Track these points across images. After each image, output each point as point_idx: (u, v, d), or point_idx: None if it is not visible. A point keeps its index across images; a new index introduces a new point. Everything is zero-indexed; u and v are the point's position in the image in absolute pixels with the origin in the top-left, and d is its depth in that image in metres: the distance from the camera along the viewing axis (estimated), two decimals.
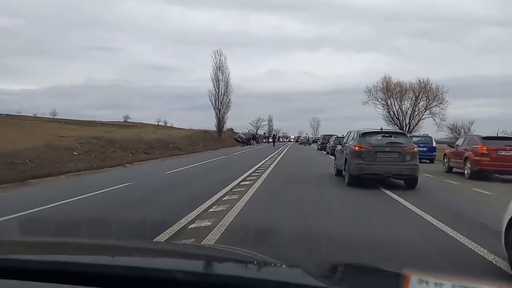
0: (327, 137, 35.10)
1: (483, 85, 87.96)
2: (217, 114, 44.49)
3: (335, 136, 29.54)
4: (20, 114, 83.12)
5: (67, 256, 1.47)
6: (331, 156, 22.73)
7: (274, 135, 62.94)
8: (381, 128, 11.77)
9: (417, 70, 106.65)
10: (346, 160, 11.17)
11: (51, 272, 1.16)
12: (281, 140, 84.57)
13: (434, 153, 20.03)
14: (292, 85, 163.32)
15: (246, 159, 20.38)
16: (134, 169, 14.50)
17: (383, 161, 10.24)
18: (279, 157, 22.86)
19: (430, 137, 21.45)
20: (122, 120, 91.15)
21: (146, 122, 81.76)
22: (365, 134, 10.92)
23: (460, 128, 20.45)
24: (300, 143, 64.89)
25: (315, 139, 67.09)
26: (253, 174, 12.91)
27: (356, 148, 10.58)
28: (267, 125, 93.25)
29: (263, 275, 1.32)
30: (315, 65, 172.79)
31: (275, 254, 2.05)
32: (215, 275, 1.26)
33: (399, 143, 10.60)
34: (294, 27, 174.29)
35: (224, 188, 9.14)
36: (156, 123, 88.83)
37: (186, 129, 56.94)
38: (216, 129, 45.40)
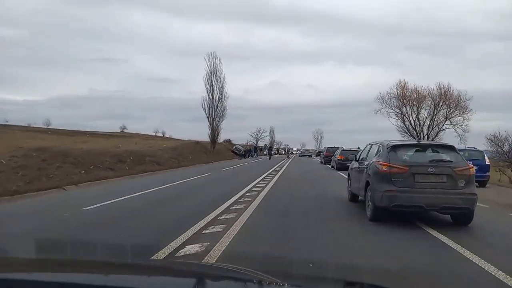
0: (331, 150, 32.89)
1: (483, 99, 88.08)
2: (210, 124, 41.43)
3: (341, 148, 27.62)
4: (7, 123, 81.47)
5: (60, 274, 1.51)
6: (340, 173, 19.82)
7: (270, 147, 58.46)
8: (418, 140, 8.76)
9: (417, 83, 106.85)
10: (367, 184, 8.20)
11: None
12: (283, 152, 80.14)
13: (487, 174, 15.60)
14: (295, 98, 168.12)
15: (236, 178, 16.86)
16: (65, 195, 10.74)
17: (425, 187, 7.34)
18: (279, 174, 19.74)
19: (481, 152, 16.75)
20: (119, 131, 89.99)
21: (142, 133, 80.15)
22: (396, 148, 7.92)
23: (504, 140, 17.27)
24: (301, 155, 60.88)
25: (318, 151, 65.57)
26: (239, 202, 9.59)
27: (384, 168, 7.60)
28: (268, 137, 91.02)
29: None
30: (317, 78, 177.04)
31: (278, 274, 2.03)
32: None
33: (447, 161, 7.63)
34: (296, 40, 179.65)
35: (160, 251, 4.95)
36: (154, 134, 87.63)
37: (180, 140, 54.02)
38: (210, 140, 42.32)
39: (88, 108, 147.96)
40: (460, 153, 8.26)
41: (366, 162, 8.86)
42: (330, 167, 29.02)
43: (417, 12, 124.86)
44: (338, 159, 25.46)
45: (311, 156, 65.29)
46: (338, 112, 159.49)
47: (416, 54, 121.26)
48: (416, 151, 8.06)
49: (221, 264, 4.01)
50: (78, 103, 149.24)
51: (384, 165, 7.62)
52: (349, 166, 11.50)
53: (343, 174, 16.55)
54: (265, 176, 17.62)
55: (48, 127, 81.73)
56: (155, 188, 12.04)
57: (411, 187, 7.27)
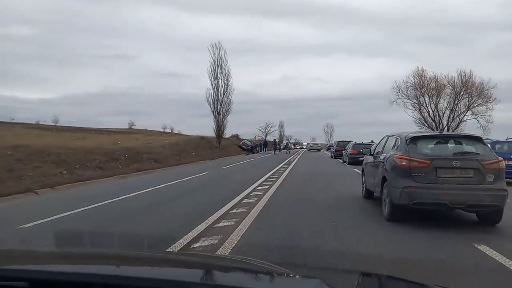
0: (341, 144, 32.71)
1: (499, 89, 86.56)
2: (215, 118, 40.95)
3: (353, 142, 27.61)
4: (13, 121, 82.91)
5: (73, 266, 1.59)
6: (355, 169, 19.33)
7: (275, 141, 57.27)
8: (441, 131, 8.30)
9: (436, 71, 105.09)
10: (384, 179, 7.79)
11: (56, 283, 1.27)
12: (292, 147, 79.45)
13: None
14: (304, 91, 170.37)
15: (237, 177, 15.75)
16: (29, 201, 9.41)
17: (449, 182, 6.89)
18: (287, 171, 19.32)
19: None
20: (127, 127, 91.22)
21: (151, 129, 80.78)
22: (416, 140, 7.47)
23: None
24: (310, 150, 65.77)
25: (329, 145, 66.94)
26: (229, 215, 7.47)
27: (403, 161, 7.17)
28: (277, 131, 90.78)
29: (279, 286, 1.45)
30: (327, 71, 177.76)
31: (292, 265, 2.12)
32: (232, 287, 1.33)
33: (474, 153, 7.16)
34: (305, 33, 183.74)
35: None
36: (162, 130, 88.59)
37: (187, 135, 53.91)
38: (215, 135, 41.93)
39: (100, 105, 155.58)
40: (498, 145, 7.73)
41: (382, 156, 8.45)
42: (342, 161, 28.75)
43: (426, 3, 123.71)
44: (350, 153, 25.25)
45: (320, 150, 67.82)
46: (349, 105, 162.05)
47: (426, 45, 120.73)
48: (438, 143, 7.59)
49: (233, 255, 4.14)
50: (90, 100, 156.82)
51: (402, 158, 7.18)
52: (362, 160, 11.08)
53: (357, 170, 16.06)
54: (272, 174, 17.12)
55: (56, 124, 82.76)
56: (133, 193, 10.42)
57: (434, 182, 6.83)
